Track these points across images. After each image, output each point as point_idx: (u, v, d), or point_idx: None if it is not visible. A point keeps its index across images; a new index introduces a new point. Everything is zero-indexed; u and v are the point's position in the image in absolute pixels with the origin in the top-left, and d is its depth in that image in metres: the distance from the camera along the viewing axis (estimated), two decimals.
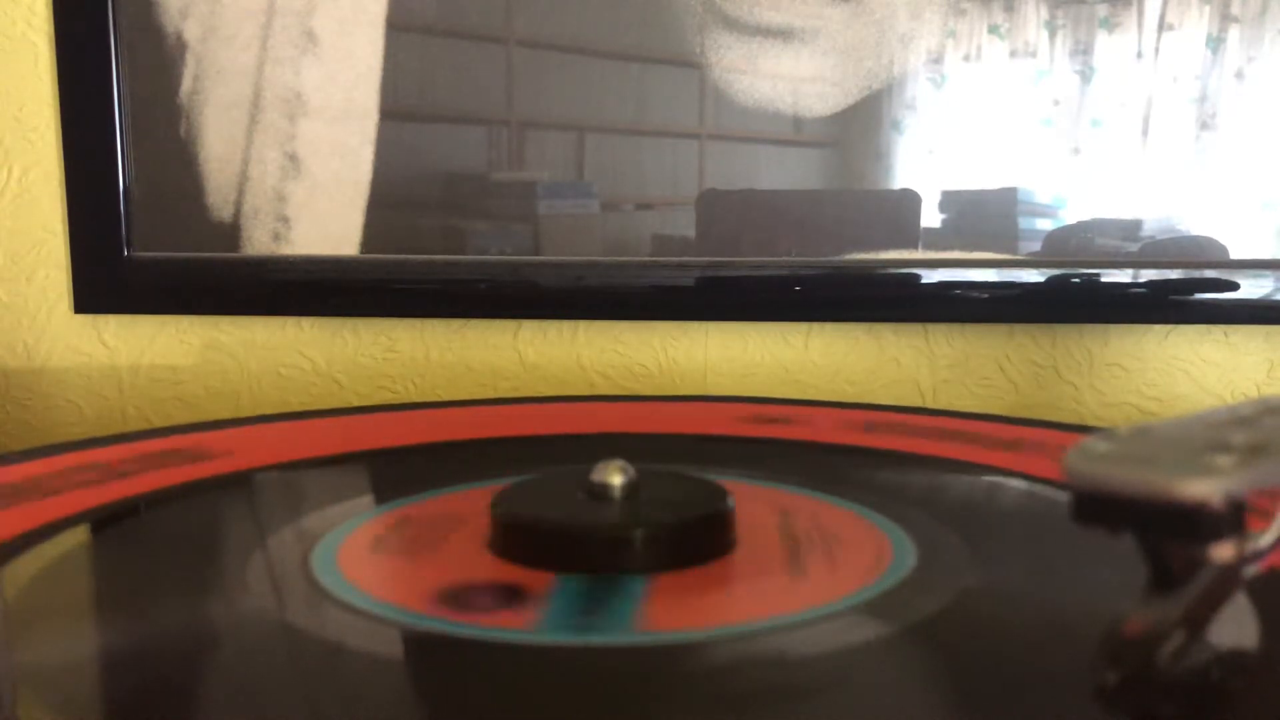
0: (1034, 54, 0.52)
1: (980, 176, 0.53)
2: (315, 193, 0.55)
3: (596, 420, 0.47)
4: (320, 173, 0.55)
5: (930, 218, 0.53)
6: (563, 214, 0.55)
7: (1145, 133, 0.52)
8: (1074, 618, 0.25)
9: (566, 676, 0.23)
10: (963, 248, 0.53)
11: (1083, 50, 0.52)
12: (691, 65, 0.53)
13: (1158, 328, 0.55)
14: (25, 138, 0.57)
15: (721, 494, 0.30)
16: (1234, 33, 0.51)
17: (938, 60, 0.52)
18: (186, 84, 0.55)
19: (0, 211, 0.58)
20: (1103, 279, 0.53)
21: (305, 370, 0.58)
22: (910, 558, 0.28)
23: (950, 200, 0.53)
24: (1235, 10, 0.51)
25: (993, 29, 0.52)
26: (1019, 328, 0.55)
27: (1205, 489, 0.18)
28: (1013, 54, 0.52)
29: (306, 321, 0.58)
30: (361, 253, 0.56)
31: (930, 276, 0.53)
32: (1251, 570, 0.20)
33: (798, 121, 0.53)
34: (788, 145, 0.54)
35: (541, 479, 0.32)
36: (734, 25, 0.53)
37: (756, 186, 0.54)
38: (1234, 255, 0.52)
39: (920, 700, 0.22)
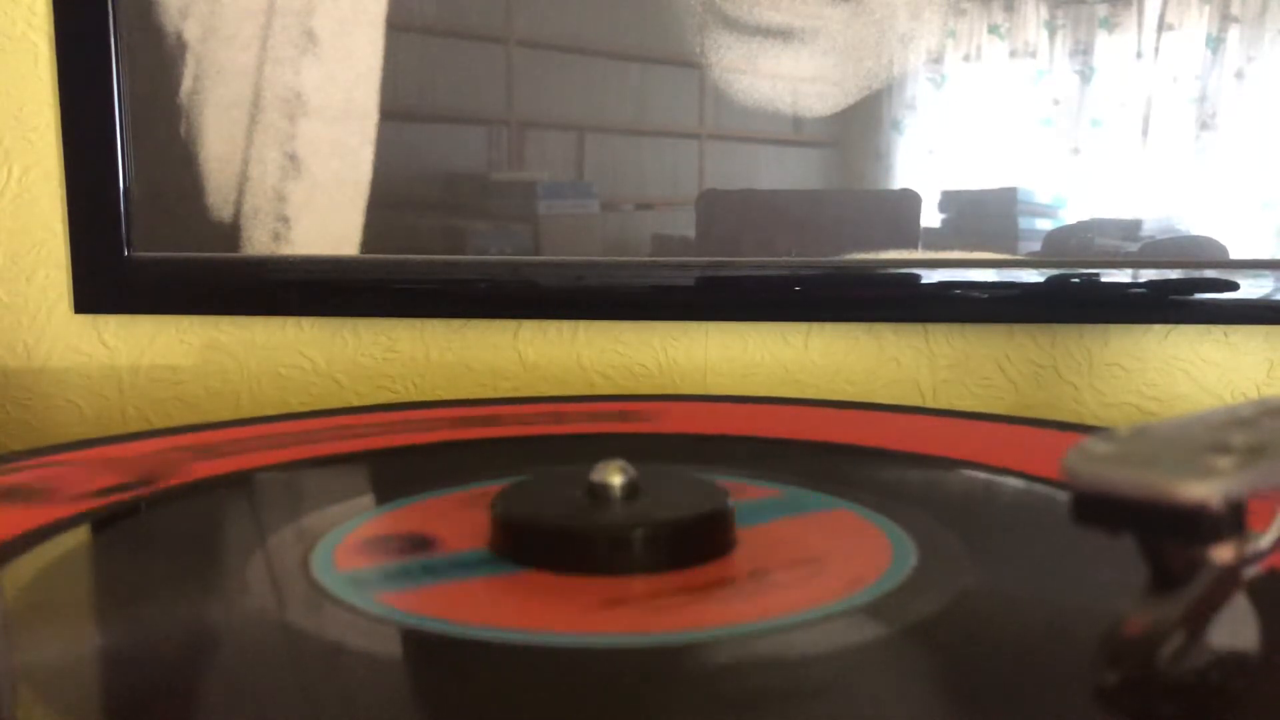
0: (1034, 54, 0.52)
1: (980, 176, 0.53)
2: (315, 193, 0.55)
3: (599, 421, 0.47)
4: (320, 173, 0.55)
5: (930, 218, 0.53)
6: (563, 214, 0.55)
7: (1145, 133, 0.52)
8: (1074, 618, 0.25)
9: (566, 677, 0.23)
10: (963, 248, 0.53)
11: (1083, 50, 0.52)
12: (691, 65, 0.53)
13: (1157, 328, 0.55)
14: (25, 138, 0.57)
15: (721, 494, 0.30)
16: (1234, 33, 0.51)
17: (938, 60, 0.52)
18: (186, 84, 0.55)
19: (0, 211, 0.58)
20: (1102, 279, 0.53)
21: (305, 370, 0.58)
22: (910, 558, 0.28)
23: (950, 200, 0.53)
24: (1235, 10, 0.51)
25: (993, 29, 0.52)
26: (1019, 328, 0.55)
27: (1205, 490, 0.18)
28: (1013, 54, 0.52)
29: (306, 321, 0.58)
30: (361, 253, 0.56)
31: (930, 276, 0.53)
32: (1251, 571, 0.20)
33: (798, 121, 0.53)
34: (788, 145, 0.54)
35: (541, 479, 0.32)
36: (734, 25, 0.53)
37: (756, 186, 0.54)
38: (1234, 255, 0.52)
39: (920, 701, 0.22)
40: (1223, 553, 0.19)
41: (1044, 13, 0.52)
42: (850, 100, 0.53)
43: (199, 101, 0.55)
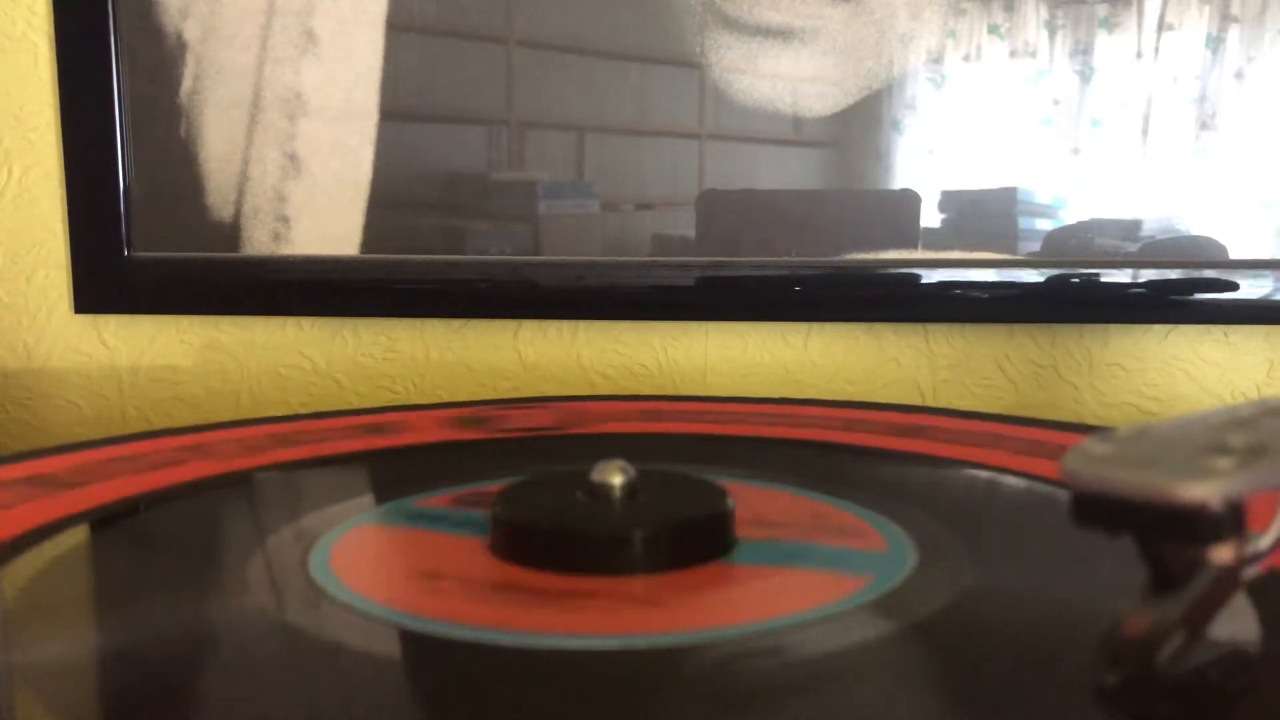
0: (1034, 54, 0.52)
1: (980, 176, 0.53)
2: (315, 193, 0.55)
3: (597, 420, 0.47)
4: (320, 173, 0.55)
5: (930, 218, 0.53)
6: (563, 214, 0.55)
7: (1145, 133, 0.52)
8: (1074, 618, 0.25)
9: (566, 677, 0.23)
10: (963, 248, 0.53)
11: (1083, 50, 0.52)
12: (691, 65, 0.53)
13: (1157, 328, 0.55)
14: (25, 138, 0.57)
15: (721, 494, 0.30)
16: (1234, 33, 0.51)
17: (938, 60, 0.52)
18: (186, 84, 0.55)
19: (0, 211, 0.58)
20: (1102, 279, 0.53)
21: (305, 370, 0.58)
22: (910, 558, 0.28)
23: (950, 200, 0.53)
24: (1235, 10, 0.51)
25: (993, 29, 0.52)
26: (1019, 328, 0.55)
27: (1204, 491, 0.18)
28: (1013, 54, 0.52)
29: (306, 321, 0.58)
30: (361, 253, 0.56)
31: (930, 276, 0.53)
32: (1251, 571, 0.20)
33: (798, 121, 0.53)
34: (788, 145, 0.54)
35: (541, 479, 0.32)
36: (734, 25, 0.53)
37: (756, 186, 0.54)
38: (1233, 255, 0.52)
39: (920, 700, 0.22)
40: (1222, 553, 0.19)
41: (1044, 13, 0.52)
42: (850, 100, 0.53)
43: (199, 101, 0.55)
